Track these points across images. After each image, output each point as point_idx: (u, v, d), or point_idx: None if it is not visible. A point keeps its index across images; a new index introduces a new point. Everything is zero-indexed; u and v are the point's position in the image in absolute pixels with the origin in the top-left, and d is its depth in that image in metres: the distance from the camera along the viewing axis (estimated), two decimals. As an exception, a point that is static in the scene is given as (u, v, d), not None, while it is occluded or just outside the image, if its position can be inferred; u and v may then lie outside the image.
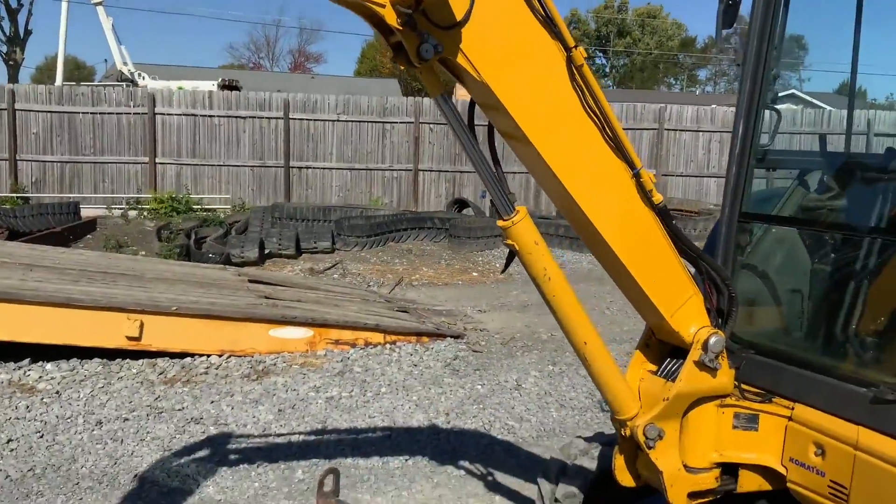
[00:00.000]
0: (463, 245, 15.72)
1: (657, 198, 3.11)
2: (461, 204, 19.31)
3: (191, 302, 8.28)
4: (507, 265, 3.23)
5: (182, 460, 5.62)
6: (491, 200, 3.06)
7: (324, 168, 21.04)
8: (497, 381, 7.71)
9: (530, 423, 6.68)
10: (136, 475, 5.40)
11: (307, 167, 20.95)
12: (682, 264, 3.22)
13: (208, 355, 8.00)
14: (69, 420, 6.30)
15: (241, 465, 5.59)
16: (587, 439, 4.43)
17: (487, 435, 6.39)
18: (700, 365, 3.22)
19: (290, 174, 20.85)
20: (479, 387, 7.53)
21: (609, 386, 3.23)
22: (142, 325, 7.68)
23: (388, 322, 9.13)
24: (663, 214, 3.14)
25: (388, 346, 8.70)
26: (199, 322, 7.96)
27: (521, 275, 14.05)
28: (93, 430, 6.14)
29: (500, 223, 2.98)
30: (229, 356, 8.04)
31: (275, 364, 7.97)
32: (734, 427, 3.39)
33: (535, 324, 10.09)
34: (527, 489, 5.20)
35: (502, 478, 5.40)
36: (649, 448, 3.26)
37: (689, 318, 3.25)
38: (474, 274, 14.04)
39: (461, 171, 21.20)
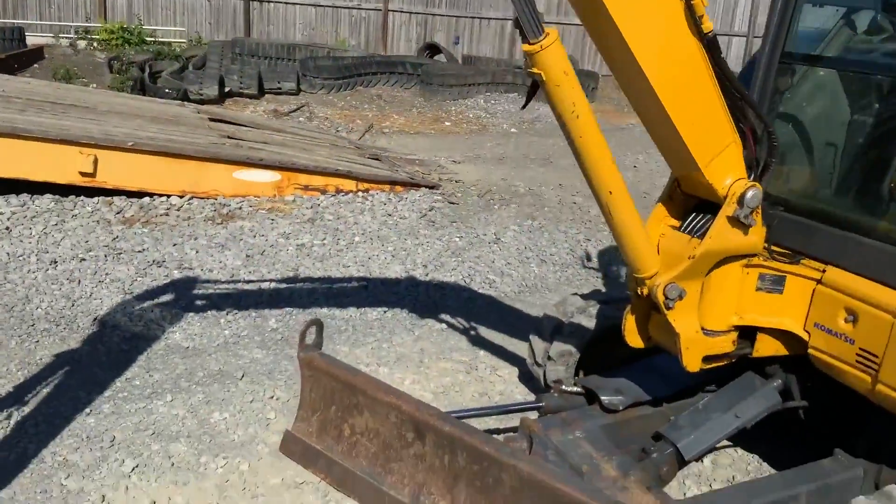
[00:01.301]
0: (435, 93, 15.01)
1: (707, 26, 2.66)
2: (433, 49, 18.36)
3: (148, 138, 7.68)
4: (528, 99, 2.79)
5: (145, 304, 5.28)
6: (514, 20, 2.58)
7: (287, 3, 19.70)
8: (475, 234, 7.41)
9: (511, 278, 6.46)
10: (95, 318, 5.06)
11: (269, 1, 19.58)
12: (724, 107, 2.82)
13: (168, 196, 7.50)
14: (21, 258, 5.86)
15: (210, 312, 5.28)
16: (584, 297, 4.18)
17: (468, 288, 6.15)
18: (733, 221, 2.91)
19: (249, 8, 19.47)
20: (457, 239, 7.24)
21: (631, 241, 2.90)
22: (96, 161, 7.10)
23: (360, 169, 8.68)
24: (712, 46, 2.71)
25: (360, 193, 8.29)
26: (157, 160, 7.40)
27: (496, 126, 13.57)
28: (47, 270, 5.72)
29: (525, 47, 2.52)
30: (191, 198, 7.56)
31: (240, 208, 7.53)
32: (758, 289, 3.13)
33: (512, 177, 9.73)
34: (510, 344, 5.01)
35: (485, 332, 5.19)
36: (668, 309, 2.99)
37: (726, 169, 2.90)
38: (447, 124, 13.49)
39: (434, 14, 20.04)
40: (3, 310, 5.07)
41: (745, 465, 3.84)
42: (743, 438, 4.03)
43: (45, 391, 4.07)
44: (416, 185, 8.73)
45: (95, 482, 3.29)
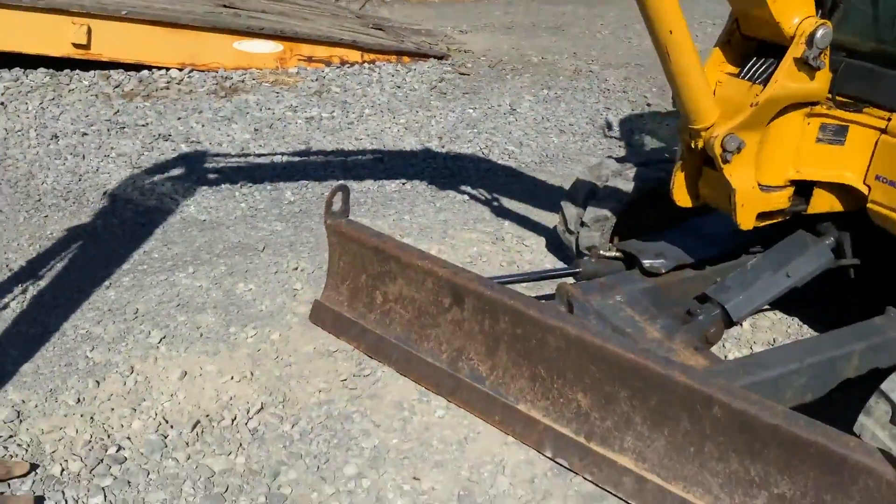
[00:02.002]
0: (437, -39, 14.23)
1: None
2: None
3: (142, 6, 7.25)
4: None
5: (155, 178, 5.07)
6: None
7: None
8: (489, 104, 7.12)
9: (531, 149, 6.23)
10: (105, 193, 4.87)
11: None
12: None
13: (167, 69, 7.15)
14: (20, 133, 5.61)
15: (223, 185, 5.08)
16: (619, 160, 3.98)
17: (486, 160, 5.93)
18: (800, 63, 2.67)
19: None
20: (471, 111, 6.95)
21: (690, 87, 2.68)
22: (89, 31, 6.72)
23: (364, 39, 8.26)
24: None
25: (366, 65, 7.92)
26: (153, 30, 7.01)
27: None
28: (48, 145, 5.48)
29: None
30: (191, 70, 7.22)
31: (243, 81, 7.20)
32: (818, 140, 2.93)
33: (523, 46, 9.31)
34: (535, 214, 4.84)
35: (508, 203, 5.01)
36: (725, 162, 2.80)
37: (794, 5, 2.63)
38: (451, -7, 12.85)
39: None
40: (7, 185, 4.87)
41: (784, 328, 3.76)
42: (781, 301, 3.94)
43: (60, 265, 3.93)
44: (424, 56, 8.35)
45: (122, 354, 3.19)
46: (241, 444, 2.74)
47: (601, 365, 2.63)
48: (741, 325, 3.78)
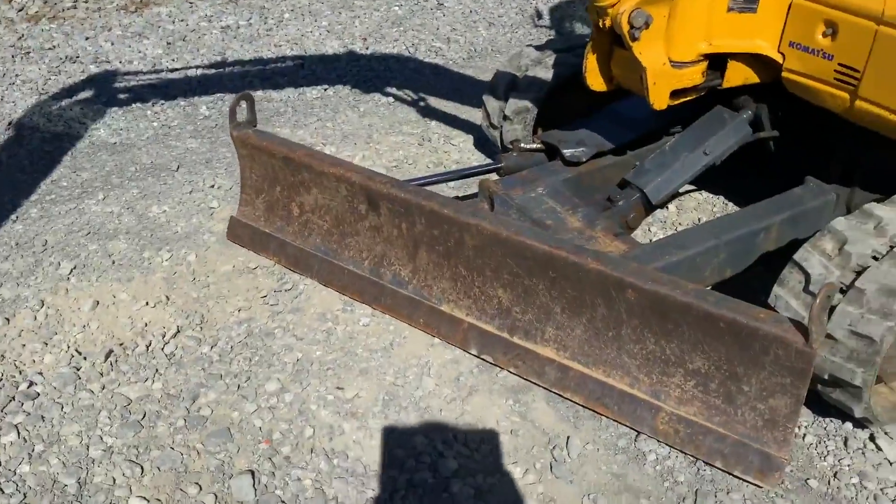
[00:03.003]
0: None
1: None
2: None
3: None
4: None
5: (63, 103, 4.81)
6: None
7: None
8: (415, 0, 6.84)
9: (458, 44, 6.03)
10: (10, 122, 4.61)
11: None
12: None
13: (72, -14, 6.72)
14: (-88, 66, 5.26)
15: (134, 105, 4.85)
16: (538, 48, 3.84)
17: (413, 59, 5.73)
18: (704, -72, 2.53)
19: None
20: (397, 8, 6.68)
21: (591, -39, 2.54)
22: (-22, -50, 6.24)
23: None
24: None
25: (285, -33, 7.52)
26: (50, -56, 6.53)
27: None
28: (-55, 77, 5.16)
29: None
30: (98, -14, 6.78)
31: (154, -7, 6.80)
32: (729, 9, 2.83)
33: (450, -63, 8.90)
34: (463, 112, 4.72)
35: (435, 102, 4.87)
36: (634, 40, 2.70)
37: None
38: None
39: None
40: None
41: (710, 208, 3.75)
42: (708, 180, 3.92)
43: (-36, 202, 3.75)
44: (347, -46, 7.94)
45: (32, 288, 3.06)
46: (157, 370, 2.68)
47: (517, 259, 2.59)
48: (667, 207, 3.77)
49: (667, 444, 2.40)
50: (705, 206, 3.76)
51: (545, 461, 2.37)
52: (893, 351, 2.39)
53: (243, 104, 3.21)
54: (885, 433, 2.47)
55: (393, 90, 5.08)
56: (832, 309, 2.32)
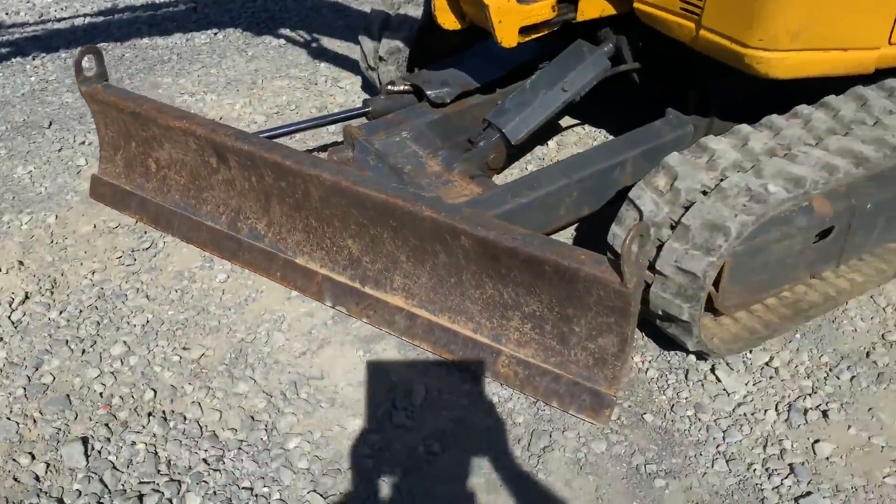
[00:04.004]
0: None
1: None
2: None
3: None
4: None
5: (-65, 61, 4.61)
6: None
7: None
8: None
9: (360, -21, 5.84)
10: None
11: None
12: None
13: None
14: None
15: (14, 60, 4.65)
16: (411, -18, 3.72)
17: (310, -4, 5.56)
18: None
19: None
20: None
21: None
22: None
23: None
24: None
25: None
26: None
27: None
28: None
29: None
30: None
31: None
32: (575, -60, 2.74)
33: None
34: (355, 52, 4.58)
35: (329, 43, 4.74)
36: (469, -25, 2.61)
37: None
38: None
39: None
40: None
41: (591, 142, 3.72)
42: (589, 114, 3.89)
43: None
44: None
45: None
46: (1, 339, 2.63)
47: (360, 209, 2.55)
48: (547, 144, 3.74)
49: (508, 387, 2.42)
50: (586, 141, 3.73)
51: (386, 410, 2.38)
52: (730, 284, 2.42)
53: (90, 58, 3.08)
54: (728, 364, 2.52)
55: (286, 32, 4.93)
56: (661, 245, 2.33)
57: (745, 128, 2.53)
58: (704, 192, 2.34)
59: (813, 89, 2.75)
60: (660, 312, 2.39)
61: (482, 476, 2.18)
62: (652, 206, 2.38)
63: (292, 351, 2.59)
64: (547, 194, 2.75)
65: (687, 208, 2.32)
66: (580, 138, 3.75)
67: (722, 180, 2.34)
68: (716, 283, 2.39)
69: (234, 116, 3.98)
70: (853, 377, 2.46)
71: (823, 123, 2.56)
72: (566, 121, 3.91)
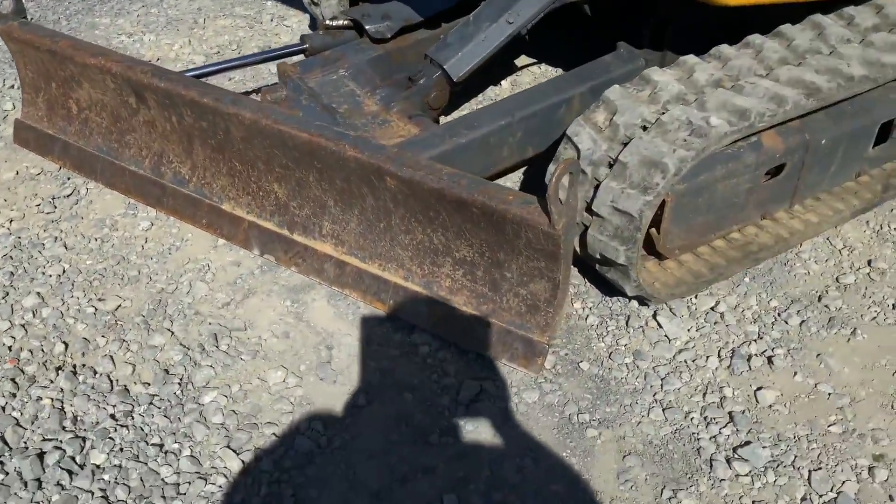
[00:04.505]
0: None
1: None
2: None
3: None
4: None
5: None
6: None
7: None
8: None
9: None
10: None
11: None
12: None
13: None
14: None
15: (-58, 0, 4.39)
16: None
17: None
18: None
19: None
20: None
21: None
22: None
23: None
24: None
25: None
26: None
27: None
28: None
29: None
30: None
31: None
32: None
33: None
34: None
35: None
36: None
37: None
38: None
39: None
40: None
41: (553, 75, 3.54)
42: (546, 52, 3.71)
43: None
44: None
45: None
46: None
47: (283, 150, 2.39)
48: (500, 84, 3.57)
49: (439, 336, 2.30)
50: (542, 80, 3.55)
51: (311, 363, 2.26)
52: (672, 225, 2.29)
53: (3, -9, 2.87)
54: (671, 310, 2.40)
55: (233, -31, 4.68)
56: (598, 185, 2.19)
57: (691, 59, 2.38)
58: (644, 128, 2.19)
59: (774, 21, 2.60)
60: (598, 256, 2.26)
61: (408, 429, 2.07)
62: (590, 143, 2.24)
63: (215, 301, 2.45)
64: (488, 134, 2.60)
65: (626, 145, 2.18)
66: (535, 78, 3.58)
67: (663, 114, 2.19)
68: (658, 225, 2.27)
69: (172, 58, 3.77)
70: (802, 322, 2.36)
71: (775, 53, 2.40)
72: (522, 59, 3.74)
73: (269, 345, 2.31)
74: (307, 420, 2.09)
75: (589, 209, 2.21)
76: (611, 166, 2.18)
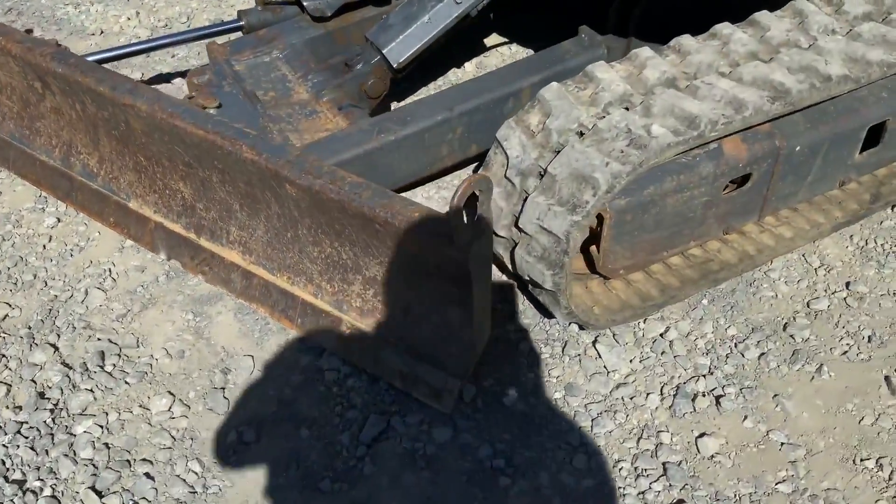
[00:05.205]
0: None
1: None
2: None
3: None
4: None
5: None
6: None
7: None
8: None
9: None
10: None
11: None
12: None
13: None
14: None
15: None
16: None
17: None
18: None
19: None
20: None
21: None
22: None
23: None
24: None
25: None
26: None
27: None
28: None
29: None
30: None
31: None
32: None
33: None
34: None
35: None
36: None
37: None
38: None
39: None
40: None
41: (512, 64, 3.24)
42: (518, 33, 3.40)
43: None
44: None
45: None
46: None
47: (183, 146, 2.13)
48: (463, 66, 3.27)
49: (349, 362, 2.06)
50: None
51: (203, 388, 2.02)
52: (613, 244, 2.01)
53: None
54: (614, 336, 2.13)
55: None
56: (526, 198, 1.91)
57: (644, 52, 2.07)
58: (581, 134, 1.91)
59: (758, 5, 2.28)
60: (527, 278, 1.99)
61: (297, 473, 1.84)
62: (519, 149, 1.95)
63: (110, 313, 2.22)
64: (422, 131, 2.32)
65: (558, 153, 1.89)
66: (504, 60, 3.28)
67: (602, 119, 1.90)
68: (598, 243, 1.99)
69: (116, 31, 3.52)
70: (762, 355, 2.08)
71: (744, 46, 2.09)
72: (493, 39, 3.43)
73: (161, 366, 2.08)
74: (185, 458, 1.86)
75: (517, 225, 1.94)
76: (541, 177, 1.90)
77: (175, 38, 2.88)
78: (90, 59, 2.70)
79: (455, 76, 3.21)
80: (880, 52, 2.05)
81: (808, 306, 2.21)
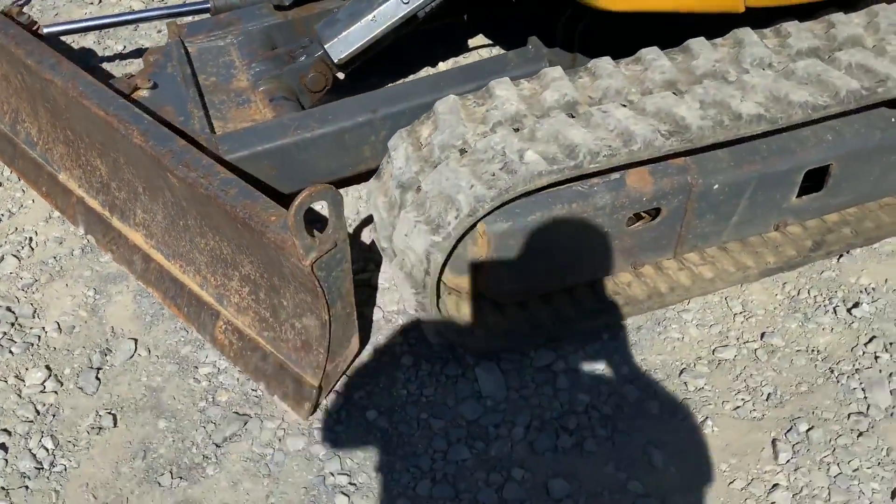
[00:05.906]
0: None
1: None
2: None
3: None
4: None
5: None
6: None
7: None
8: None
9: None
10: None
11: None
12: None
13: None
14: None
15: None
16: None
17: None
18: None
19: None
20: None
21: None
22: None
23: None
24: None
25: None
26: None
27: None
28: None
29: None
30: None
31: None
32: None
33: None
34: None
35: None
36: None
37: None
38: None
39: None
40: None
41: (485, 67, 3.16)
42: (500, 33, 3.30)
43: None
44: None
45: None
46: None
47: (94, 125, 2.16)
48: (437, 65, 3.20)
49: (224, 356, 2.05)
50: (481, 66, 3.17)
51: (79, 367, 2.05)
52: (499, 268, 1.94)
53: None
54: (497, 362, 2.05)
55: None
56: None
57: (553, 71, 1.98)
58: (463, 151, 1.84)
59: (712, 26, 2.15)
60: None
61: (143, 464, 1.84)
62: (402, 161, 1.90)
63: (18, 281, 2.28)
64: (342, 131, 2.28)
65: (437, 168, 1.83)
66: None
67: (486, 136, 1.83)
68: (481, 266, 1.92)
69: (113, 1, 3.58)
70: (644, 399, 1.97)
71: (662, 74, 1.97)
72: (479, 40, 3.35)
73: (48, 339, 2.12)
74: (41, 434, 1.90)
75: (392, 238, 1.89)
76: (418, 192, 1.85)
77: (143, 15, 2.90)
78: (62, 27, 2.77)
79: (426, 73, 3.15)
80: (805, 93, 1.90)
81: (714, 353, 2.08)
